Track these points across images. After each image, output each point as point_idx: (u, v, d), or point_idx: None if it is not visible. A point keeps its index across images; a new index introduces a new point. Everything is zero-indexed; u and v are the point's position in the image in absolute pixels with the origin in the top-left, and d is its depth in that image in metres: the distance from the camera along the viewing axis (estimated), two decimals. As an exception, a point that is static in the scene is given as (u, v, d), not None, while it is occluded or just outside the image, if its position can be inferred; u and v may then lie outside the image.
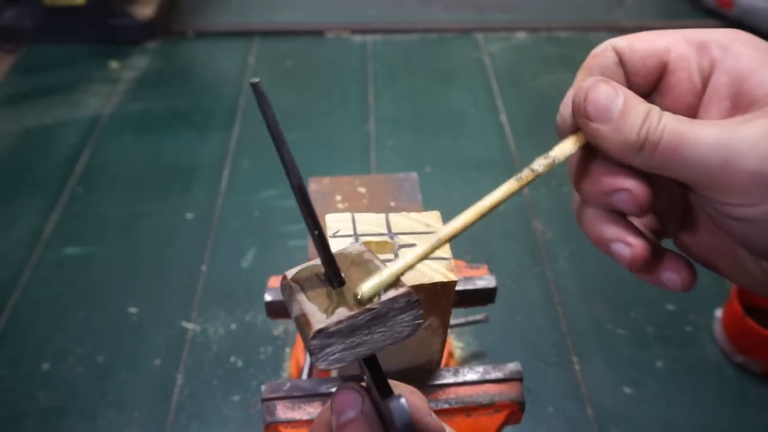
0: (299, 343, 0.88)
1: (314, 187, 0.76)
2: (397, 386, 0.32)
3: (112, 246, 1.28)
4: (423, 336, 0.52)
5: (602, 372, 1.08)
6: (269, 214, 1.35)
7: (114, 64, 1.81)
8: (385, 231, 0.47)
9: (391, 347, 0.31)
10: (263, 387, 0.56)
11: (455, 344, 1.11)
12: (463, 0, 2.13)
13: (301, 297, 0.29)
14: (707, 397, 1.05)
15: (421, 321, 0.30)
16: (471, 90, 1.74)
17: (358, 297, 0.29)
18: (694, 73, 0.31)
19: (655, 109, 0.28)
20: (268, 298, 0.62)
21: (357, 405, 0.31)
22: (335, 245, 0.32)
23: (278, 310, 0.62)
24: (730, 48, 0.30)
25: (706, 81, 0.30)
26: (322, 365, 0.28)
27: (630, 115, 0.28)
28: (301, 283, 0.30)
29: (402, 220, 0.48)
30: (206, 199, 1.38)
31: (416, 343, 0.53)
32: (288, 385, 0.56)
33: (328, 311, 0.28)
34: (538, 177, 0.31)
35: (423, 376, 0.57)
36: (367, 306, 0.28)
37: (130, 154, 1.51)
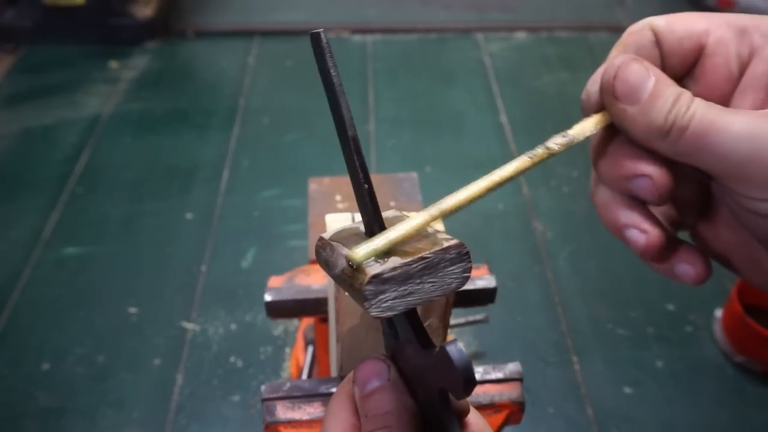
0: (299, 343, 0.88)
1: (314, 187, 0.76)
2: None
3: (112, 246, 1.28)
4: (423, 336, 0.52)
5: (602, 372, 1.08)
6: (269, 214, 1.35)
7: (114, 64, 1.81)
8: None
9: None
10: (263, 387, 0.56)
11: (455, 344, 1.11)
12: (463, 0, 2.13)
13: (347, 251, 0.29)
14: (707, 397, 1.05)
15: (469, 275, 0.30)
16: (471, 90, 1.74)
17: (349, 262, 0.28)
18: (732, 60, 0.29)
19: (686, 94, 0.27)
20: (268, 298, 0.62)
21: (383, 373, 0.31)
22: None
23: (278, 310, 0.62)
24: None
25: (743, 69, 0.29)
26: (374, 312, 0.28)
27: (659, 98, 0.27)
28: (343, 241, 0.30)
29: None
30: (206, 199, 1.38)
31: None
32: (288, 385, 0.56)
33: (379, 261, 0.28)
34: (552, 156, 0.29)
35: (423, 376, 0.57)
36: (422, 254, 0.28)
37: (130, 154, 1.51)
